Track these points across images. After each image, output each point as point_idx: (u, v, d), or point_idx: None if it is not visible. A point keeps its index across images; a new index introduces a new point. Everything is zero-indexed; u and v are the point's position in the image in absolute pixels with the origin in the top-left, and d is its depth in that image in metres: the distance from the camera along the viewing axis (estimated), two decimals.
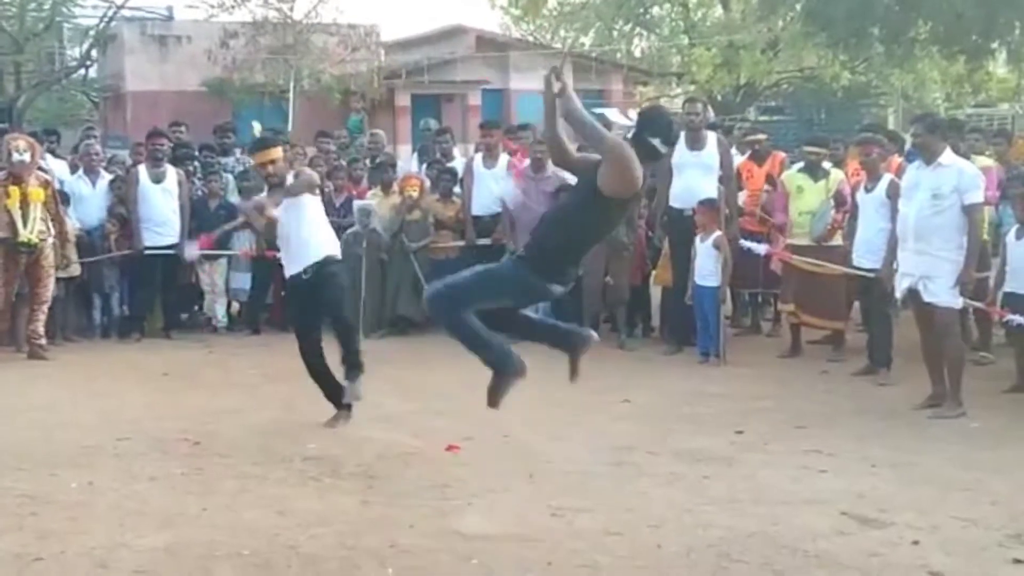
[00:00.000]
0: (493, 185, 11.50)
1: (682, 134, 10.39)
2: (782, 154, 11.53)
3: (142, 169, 11.35)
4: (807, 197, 9.97)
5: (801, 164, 10.39)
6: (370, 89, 24.15)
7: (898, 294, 8.30)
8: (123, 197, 11.41)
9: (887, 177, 9.19)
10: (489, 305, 5.55)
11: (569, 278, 5.67)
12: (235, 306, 12.21)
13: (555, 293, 5.67)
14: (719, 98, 27.76)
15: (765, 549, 5.30)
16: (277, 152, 7.72)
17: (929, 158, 7.92)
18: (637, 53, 32.20)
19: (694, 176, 10.18)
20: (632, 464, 6.83)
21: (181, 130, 13.15)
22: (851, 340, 10.15)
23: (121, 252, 11.22)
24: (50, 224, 10.25)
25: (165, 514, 5.87)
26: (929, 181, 7.87)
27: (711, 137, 10.40)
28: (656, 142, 5.46)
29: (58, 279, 10.65)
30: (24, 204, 10.06)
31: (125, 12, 26.02)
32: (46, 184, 10.27)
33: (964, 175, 7.84)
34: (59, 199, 10.49)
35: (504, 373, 5.54)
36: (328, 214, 11.61)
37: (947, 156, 7.89)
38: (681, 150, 10.24)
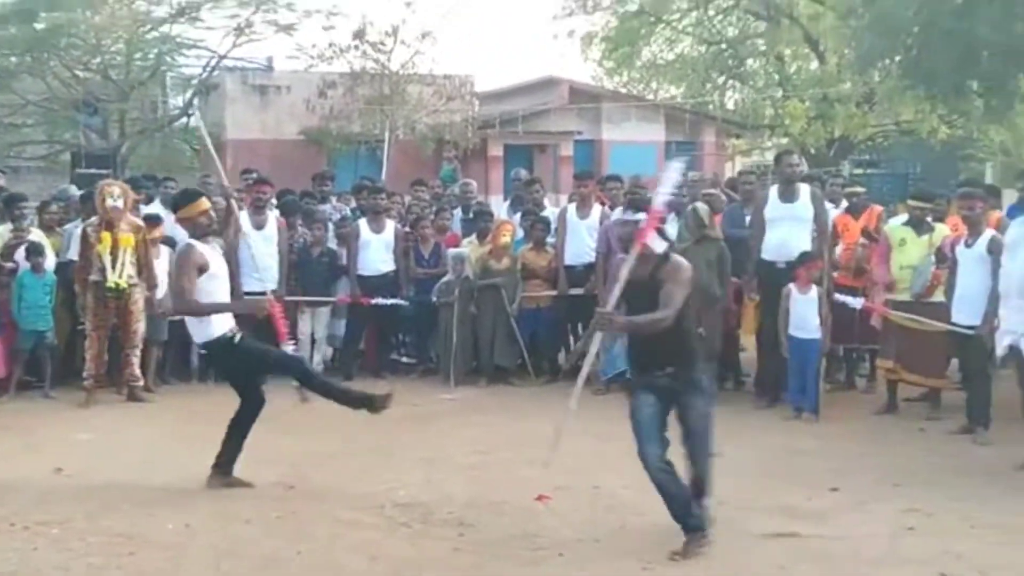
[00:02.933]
0: (586, 235, 11.53)
1: (774, 187, 10.36)
2: (879, 207, 11.37)
3: (244, 216, 11.54)
4: (910, 251, 9.79)
5: (905, 217, 10.24)
6: (463, 139, 24.37)
7: (999, 351, 8.14)
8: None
9: (989, 232, 9.02)
10: None
11: None
12: (327, 351, 12.34)
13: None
14: (812, 151, 27.54)
15: None
16: (205, 203, 7.65)
17: None
18: (730, 105, 32.11)
19: (787, 229, 10.09)
20: (725, 520, 6.73)
21: (252, 177, 13.10)
22: (948, 398, 9.94)
23: None
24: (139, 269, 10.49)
25: (261, 557, 5.96)
26: None
27: (804, 189, 10.30)
28: None
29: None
30: (115, 249, 10.32)
31: (227, 62, 26.60)
32: (137, 229, 10.52)
33: None
34: (152, 245, 10.69)
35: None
36: (417, 264, 11.93)
37: None
38: (774, 202, 10.19)
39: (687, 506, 6.05)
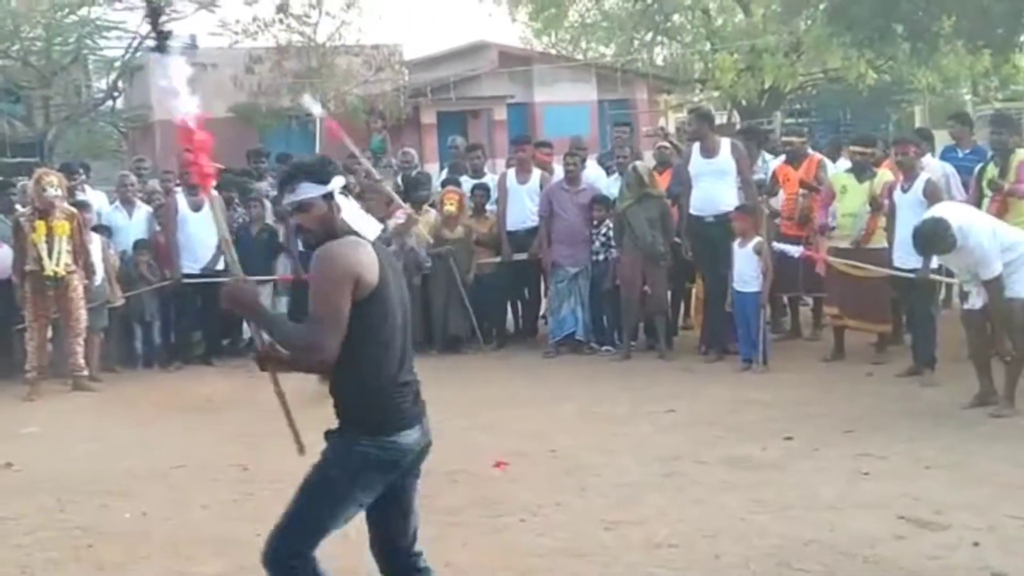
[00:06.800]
0: (527, 199, 11.50)
1: (696, 143, 10.50)
2: (819, 156, 11.40)
3: (180, 197, 11.38)
4: (851, 198, 9.80)
5: (848, 164, 10.30)
6: (395, 108, 24.23)
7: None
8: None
9: (924, 176, 9.12)
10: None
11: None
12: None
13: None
14: (743, 103, 27.69)
15: (824, 556, 5.28)
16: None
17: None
18: (660, 61, 32.20)
19: (710, 183, 10.26)
20: (682, 474, 6.80)
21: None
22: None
23: (161, 283, 11.25)
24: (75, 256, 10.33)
25: (220, 541, 5.90)
26: None
27: (724, 143, 10.44)
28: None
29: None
30: (50, 237, 10.15)
31: (150, 42, 26.17)
32: (71, 216, 10.33)
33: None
34: (86, 231, 10.51)
35: None
36: None
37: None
38: (696, 158, 10.37)
39: None
